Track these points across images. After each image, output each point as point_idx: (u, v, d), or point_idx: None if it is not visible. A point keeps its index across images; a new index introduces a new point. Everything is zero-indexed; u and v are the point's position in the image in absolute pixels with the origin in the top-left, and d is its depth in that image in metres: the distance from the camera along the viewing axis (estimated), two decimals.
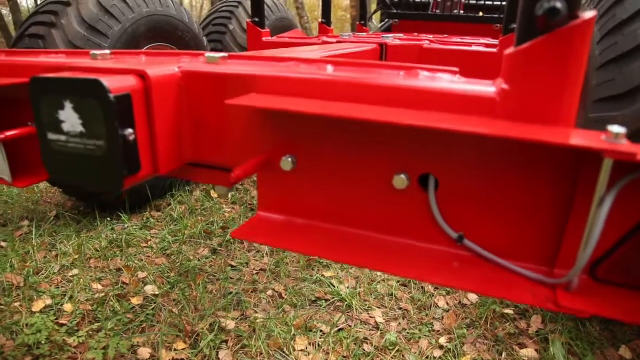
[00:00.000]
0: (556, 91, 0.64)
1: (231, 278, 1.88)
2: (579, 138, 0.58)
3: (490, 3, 5.35)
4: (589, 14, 0.60)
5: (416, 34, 4.28)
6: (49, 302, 1.66)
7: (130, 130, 0.76)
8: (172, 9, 2.44)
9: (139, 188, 2.38)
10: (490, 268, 0.75)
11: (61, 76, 0.75)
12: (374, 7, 5.54)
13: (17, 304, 1.64)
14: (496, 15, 4.97)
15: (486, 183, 0.73)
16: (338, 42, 2.38)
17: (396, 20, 5.19)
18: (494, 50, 2.31)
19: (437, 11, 5.15)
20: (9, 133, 1.02)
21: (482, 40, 3.28)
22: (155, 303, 1.69)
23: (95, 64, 0.85)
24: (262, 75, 0.81)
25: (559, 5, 0.59)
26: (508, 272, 0.74)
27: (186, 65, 0.87)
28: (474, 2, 5.35)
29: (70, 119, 0.77)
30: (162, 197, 2.61)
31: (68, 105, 0.76)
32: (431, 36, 3.44)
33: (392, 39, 2.40)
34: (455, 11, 5.06)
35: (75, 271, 1.87)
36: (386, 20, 5.36)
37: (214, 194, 2.67)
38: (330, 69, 0.84)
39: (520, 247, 0.74)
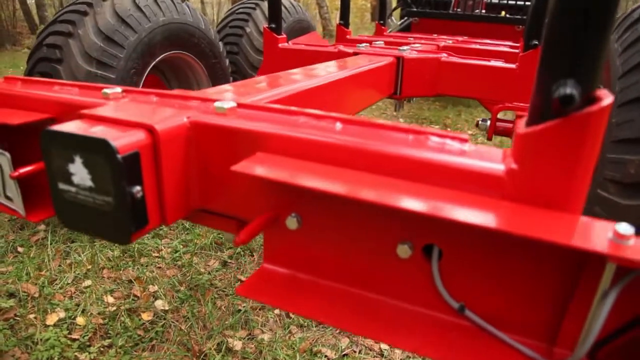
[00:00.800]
0: (566, 177, 0.63)
1: None
2: (583, 237, 0.57)
3: (513, 2, 5.23)
4: (606, 100, 0.58)
5: (435, 35, 4.21)
6: (62, 314, 1.71)
7: (137, 188, 0.77)
8: (189, 15, 2.44)
9: None
10: (490, 340, 0.74)
11: (70, 131, 0.76)
12: (394, 2, 5.45)
13: (31, 316, 1.69)
14: (518, 17, 4.86)
15: (489, 258, 0.72)
16: (354, 53, 2.35)
17: (415, 18, 5.11)
18: (513, 66, 2.26)
19: (458, 10, 5.06)
20: (22, 170, 1.04)
21: (502, 48, 3.22)
22: (164, 319, 1.73)
23: (103, 112, 0.85)
24: (268, 134, 0.81)
25: (574, 92, 0.58)
26: (507, 347, 0.73)
27: (195, 116, 0.86)
28: (496, 1, 5.23)
29: (79, 172, 0.78)
30: None
31: (78, 160, 0.77)
32: (450, 40, 3.38)
33: (409, 51, 2.36)
34: (477, 11, 4.96)
35: (88, 282, 1.92)
36: (405, 18, 5.28)
37: None
38: (339, 126, 0.83)
39: (521, 322, 0.74)
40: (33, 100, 1.10)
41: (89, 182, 0.77)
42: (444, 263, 0.74)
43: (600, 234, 0.57)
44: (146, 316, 1.73)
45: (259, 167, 0.74)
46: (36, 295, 1.81)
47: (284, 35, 2.75)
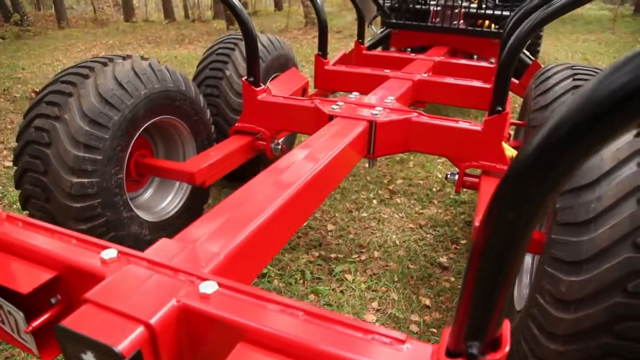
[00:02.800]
0: None
1: None
2: None
3: (490, 12, 5.36)
4: (504, 349, 0.75)
5: (413, 55, 4.34)
6: None
7: None
8: (169, 81, 2.52)
9: None
10: None
11: (81, 333, 0.91)
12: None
13: None
14: (494, 30, 5.00)
15: None
16: (329, 115, 2.48)
17: (395, 29, 5.23)
18: (478, 128, 2.42)
19: (437, 20, 5.19)
20: (35, 324, 1.19)
21: (475, 83, 3.37)
22: None
23: (105, 301, 0.99)
24: (241, 325, 0.97)
25: (476, 353, 0.75)
26: None
27: (183, 298, 1.02)
28: (474, 11, 5.37)
29: None
30: None
31: (89, 353, 0.92)
32: (425, 74, 3.51)
33: (382, 112, 2.49)
34: (455, 22, 5.11)
35: None
36: (384, 28, 5.40)
37: None
38: (301, 317, 0.99)
39: None
40: (36, 254, 1.24)
41: None
42: None
43: None
44: None
45: None
46: None
47: (262, 87, 2.86)
